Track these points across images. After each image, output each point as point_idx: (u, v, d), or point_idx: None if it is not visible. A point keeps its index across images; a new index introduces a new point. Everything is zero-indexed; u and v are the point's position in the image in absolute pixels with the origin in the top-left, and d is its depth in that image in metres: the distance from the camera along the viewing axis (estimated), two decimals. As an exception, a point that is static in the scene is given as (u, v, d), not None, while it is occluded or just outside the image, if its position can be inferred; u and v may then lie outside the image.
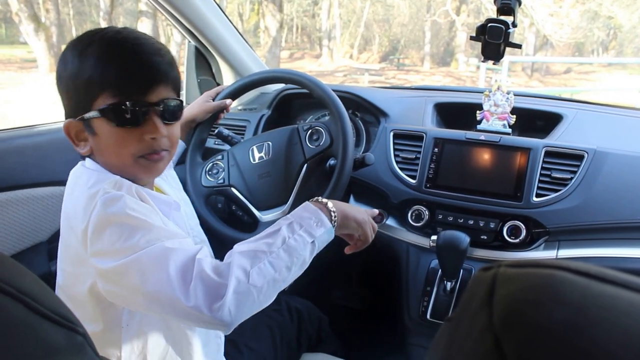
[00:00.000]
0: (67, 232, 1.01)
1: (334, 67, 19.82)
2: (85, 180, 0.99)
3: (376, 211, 1.35)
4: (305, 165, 1.55)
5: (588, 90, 14.42)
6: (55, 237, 1.60)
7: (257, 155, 1.61)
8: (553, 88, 15.33)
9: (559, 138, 1.65)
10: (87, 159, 1.05)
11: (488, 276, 0.40)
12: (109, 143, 1.00)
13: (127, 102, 0.97)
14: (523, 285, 0.36)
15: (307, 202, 1.16)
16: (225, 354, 1.28)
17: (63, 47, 1.02)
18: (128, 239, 0.90)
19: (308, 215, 1.10)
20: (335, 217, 1.13)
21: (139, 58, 0.99)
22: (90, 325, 0.98)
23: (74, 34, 19.45)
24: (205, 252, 0.96)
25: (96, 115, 0.98)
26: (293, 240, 1.03)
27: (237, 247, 1.01)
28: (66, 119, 1.01)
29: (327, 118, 2.03)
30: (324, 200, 1.16)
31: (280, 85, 2.13)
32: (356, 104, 1.98)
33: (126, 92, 0.97)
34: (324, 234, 1.09)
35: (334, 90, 1.55)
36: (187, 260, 0.91)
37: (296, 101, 2.13)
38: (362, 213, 1.23)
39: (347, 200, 1.82)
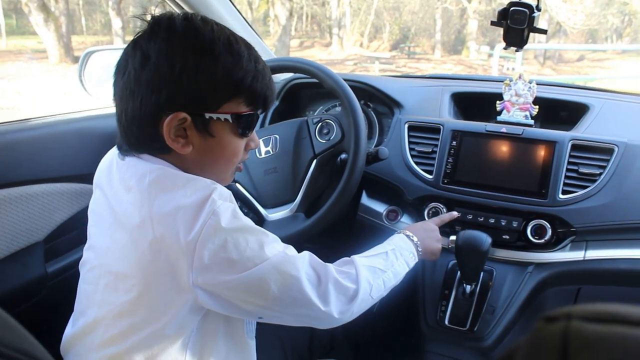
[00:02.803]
0: (122, 233, 0.94)
1: (344, 55, 19.70)
2: (168, 183, 0.91)
3: (455, 214, 1.50)
4: (315, 161, 1.48)
5: (602, 78, 14.23)
6: (52, 237, 1.54)
7: (263, 149, 1.55)
8: (566, 76, 15.15)
9: (586, 130, 1.56)
10: (146, 155, 0.96)
11: (555, 333, 0.29)
12: (224, 148, 0.99)
13: (254, 113, 0.99)
14: (614, 355, 0.26)
15: (400, 234, 1.31)
16: None
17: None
18: (254, 248, 0.91)
19: (405, 247, 1.26)
20: (420, 253, 1.29)
21: (267, 71, 1.00)
22: (155, 327, 0.93)
23: (84, 24, 19.50)
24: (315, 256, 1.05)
25: (225, 119, 0.94)
26: (398, 266, 1.19)
27: (358, 259, 1.13)
28: (164, 109, 0.90)
29: (337, 109, 1.95)
30: (414, 237, 1.30)
31: (289, 75, 2.04)
32: (368, 94, 1.89)
33: (257, 103, 0.98)
34: (412, 267, 1.25)
35: (345, 80, 1.47)
36: (316, 265, 1.01)
37: (305, 91, 2.05)
38: (437, 242, 1.37)
39: (359, 197, 1.75)
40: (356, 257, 1.13)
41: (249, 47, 0.97)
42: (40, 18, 12.36)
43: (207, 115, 0.93)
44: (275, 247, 0.95)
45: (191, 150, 0.94)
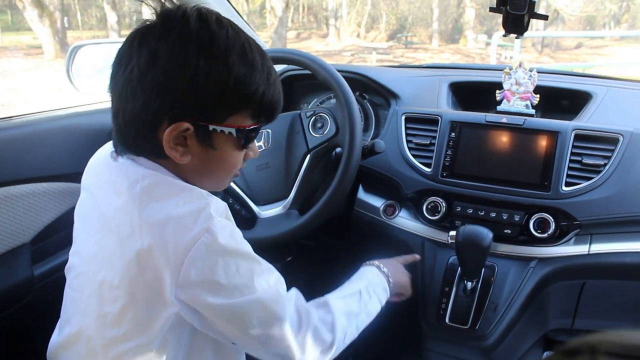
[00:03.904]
0: (110, 240, 0.89)
1: (342, 46, 19.61)
2: (161, 191, 0.87)
3: (417, 257, 1.47)
4: (309, 156, 1.45)
5: (600, 65, 14.16)
6: (39, 238, 1.50)
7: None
8: (564, 64, 15.08)
9: (590, 119, 1.51)
10: (142, 158, 0.90)
11: None
12: (225, 162, 0.95)
13: (259, 126, 0.94)
14: None
15: (370, 266, 1.28)
16: None
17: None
18: (243, 276, 0.87)
19: (378, 282, 1.22)
20: (391, 285, 1.26)
21: (278, 82, 0.94)
22: (139, 340, 0.89)
23: (79, 19, 19.40)
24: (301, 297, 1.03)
25: (229, 132, 0.89)
26: (371, 305, 1.16)
27: (334, 302, 1.07)
28: (166, 114, 0.84)
29: (332, 102, 1.91)
30: (384, 269, 1.27)
31: (282, 67, 1.98)
32: (364, 85, 1.84)
33: (263, 116, 0.93)
34: (384, 304, 1.22)
35: (339, 71, 1.43)
36: (300, 309, 0.98)
37: (298, 83, 2.00)
38: (405, 276, 1.36)
39: (355, 192, 1.70)
40: (331, 300, 1.08)
41: (262, 55, 0.91)
42: (35, 14, 12.30)
43: (211, 127, 0.87)
44: (266, 280, 0.91)
45: (190, 159, 0.89)
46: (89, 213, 0.97)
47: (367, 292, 1.17)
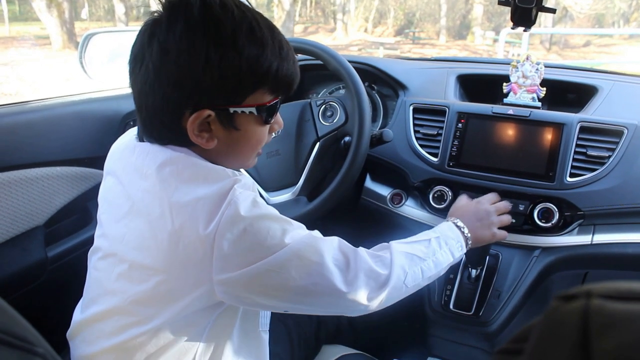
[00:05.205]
0: (139, 222, 0.90)
1: (349, 41, 19.57)
2: (189, 173, 0.88)
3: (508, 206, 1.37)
4: (318, 144, 1.46)
5: (609, 63, 14.10)
6: (52, 221, 1.53)
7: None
8: (572, 61, 15.02)
9: (595, 112, 1.52)
10: (169, 146, 0.91)
11: (574, 312, 0.27)
12: (250, 139, 0.96)
13: (278, 100, 0.95)
14: (638, 334, 0.24)
15: (449, 222, 1.24)
16: None
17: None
18: (275, 237, 0.87)
19: (453, 236, 1.18)
20: (469, 243, 1.22)
21: (291, 54, 0.93)
22: (166, 319, 0.91)
23: (87, 10, 19.38)
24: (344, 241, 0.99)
25: (250, 112, 0.90)
26: (440, 255, 1.12)
27: (395, 245, 1.06)
28: (186, 105, 0.86)
29: (341, 92, 1.92)
30: (465, 229, 1.22)
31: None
32: (373, 76, 1.86)
33: (281, 90, 0.94)
34: (458, 257, 1.18)
35: (349, 62, 1.44)
36: (346, 249, 0.96)
37: (308, 73, 2.00)
38: (488, 231, 1.27)
39: (363, 180, 1.72)
40: (394, 243, 1.07)
41: (271, 29, 0.90)
42: (43, 4, 12.31)
43: (232, 110, 0.88)
44: (298, 233, 0.90)
45: (216, 143, 0.90)
46: (115, 197, 0.98)
47: (437, 242, 1.13)
